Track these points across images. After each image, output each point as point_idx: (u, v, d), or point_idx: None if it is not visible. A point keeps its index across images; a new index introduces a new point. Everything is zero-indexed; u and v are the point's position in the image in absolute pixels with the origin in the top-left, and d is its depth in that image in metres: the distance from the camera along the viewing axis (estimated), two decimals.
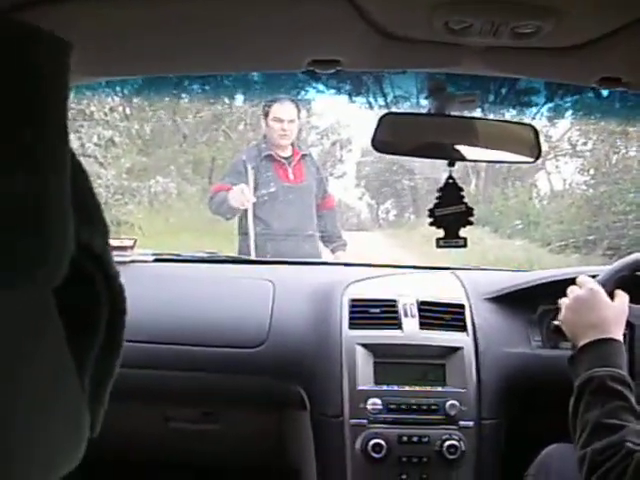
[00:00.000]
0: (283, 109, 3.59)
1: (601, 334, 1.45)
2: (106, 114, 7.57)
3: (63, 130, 0.35)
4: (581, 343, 1.47)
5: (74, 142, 6.88)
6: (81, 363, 0.43)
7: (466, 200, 1.51)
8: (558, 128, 9.60)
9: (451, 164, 1.50)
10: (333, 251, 3.80)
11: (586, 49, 1.17)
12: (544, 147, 10.05)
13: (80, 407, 0.44)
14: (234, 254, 3.21)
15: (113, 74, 1.44)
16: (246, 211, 3.63)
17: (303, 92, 6.94)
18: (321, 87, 6.65)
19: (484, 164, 7.96)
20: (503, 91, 6.36)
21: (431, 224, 1.53)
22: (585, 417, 1.35)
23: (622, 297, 1.58)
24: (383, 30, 1.14)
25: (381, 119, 1.44)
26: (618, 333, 1.48)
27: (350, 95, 7.72)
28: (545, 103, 7.23)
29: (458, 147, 1.50)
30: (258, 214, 3.63)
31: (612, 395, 1.35)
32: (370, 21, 1.10)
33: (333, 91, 7.21)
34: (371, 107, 7.91)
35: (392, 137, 1.48)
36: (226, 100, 7.99)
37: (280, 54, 1.28)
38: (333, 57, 1.24)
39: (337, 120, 11.78)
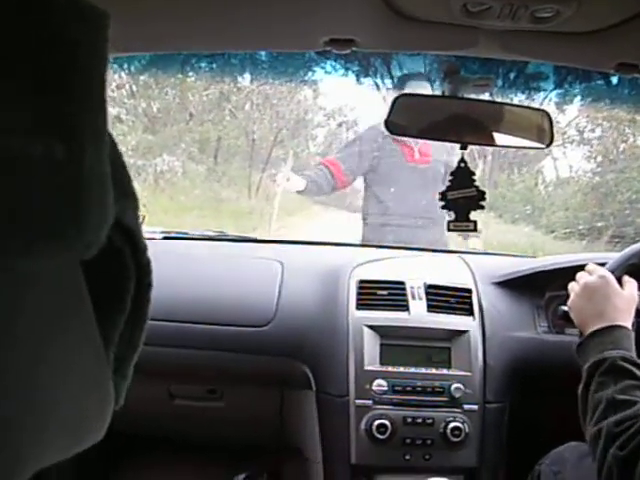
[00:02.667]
0: (419, 86, 3.35)
1: (611, 322, 1.45)
2: (113, 91, 7.54)
3: (102, 102, 0.35)
4: (590, 330, 1.46)
5: None
6: (107, 336, 0.43)
7: (477, 184, 1.51)
8: (566, 115, 9.56)
9: (463, 147, 1.49)
10: (465, 237, 3.65)
11: (604, 34, 1.17)
12: None
13: (105, 379, 0.44)
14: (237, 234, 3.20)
15: (128, 50, 1.44)
16: (367, 196, 3.61)
17: (310, 72, 6.92)
18: (328, 68, 6.62)
19: (491, 148, 7.92)
20: (511, 76, 6.33)
21: (442, 207, 1.53)
22: (597, 396, 1.34)
23: (632, 285, 1.57)
24: (400, 10, 1.14)
25: (395, 100, 1.44)
26: (628, 321, 1.47)
27: (357, 76, 7.68)
28: (554, 89, 7.20)
29: (471, 130, 1.50)
30: (377, 193, 3.55)
31: (624, 374, 1.34)
32: (388, 1, 1.10)
33: (341, 72, 7.17)
34: (378, 89, 7.88)
35: (405, 119, 1.48)
36: (233, 79, 7.95)
37: (297, 33, 1.27)
38: (349, 36, 1.23)
39: (344, 101, 11.72)
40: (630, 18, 1.10)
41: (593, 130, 9.85)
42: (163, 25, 1.22)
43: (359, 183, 3.83)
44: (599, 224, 8.27)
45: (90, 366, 0.42)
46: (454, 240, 3.57)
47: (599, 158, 9.78)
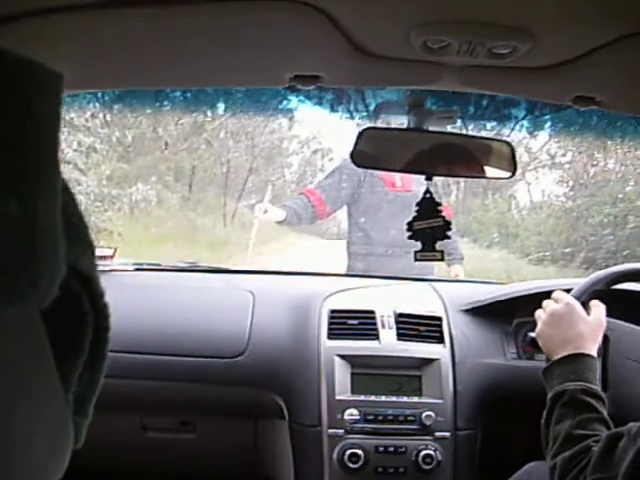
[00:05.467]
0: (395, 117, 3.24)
1: (576, 349, 1.47)
2: (87, 120, 7.54)
3: (55, 157, 0.37)
4: (556, 357, 1.49)
5: None
6: (66, 380, 0.44)
7: (443, 214, 1.53)
8: (538, 140, 9.70)
9: (428, 179, 1.52)
10: (449, 264, 3.58)
11: (561, 69, 1.20)
12: (524, 158, 10.18)
13: (65, 422, 0.45)
14: (212, 262, 3.19)
15: (95, 87, 1.45)
16: (351, 226, 3.60)
17: (285, 101, 6.97)
18: (303, 97, 6.67)
19: None
20: (484, 103, 6.43)
21: (409, 237, 1.55)
22: (557, 429, 1.37)
23: (598, 308, 1.59)
24: (363, 48, 1.16)
25: (361, 133, 1.46)
26: (593, 348, 1.49)
27: (332, 105, 7.75)
28: (525, 116, 7.31)
29: (436, 162, 1.52)
30: (359, 222, 3.55)
31: (583, 407, 1.37)
32: (350, 39, 1.12)
33: (315, 100, 7.24)
34: (352, 117, 7.95)
35: (371, 151, 1.50)
36: (208, 109, 7.99)
37: (263, 70, 1.29)
38: (314, 73, 1.26)
39: (318, 129, 11.80)
40: (585, 53, 1.14)
41: (564, 155, 10.00)
42: (128, 63, 1.24)
43: (339, 212, 3.83)
44: (572, 247, 8.36)
45: (50, 410, 0.43)
46: (438, 267, 3.57)
47: (570, 182, 9.91)
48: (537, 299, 1.66)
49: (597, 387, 1.42)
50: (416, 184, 3.38)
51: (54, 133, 0.37)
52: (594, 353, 1.49)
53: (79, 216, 0.43)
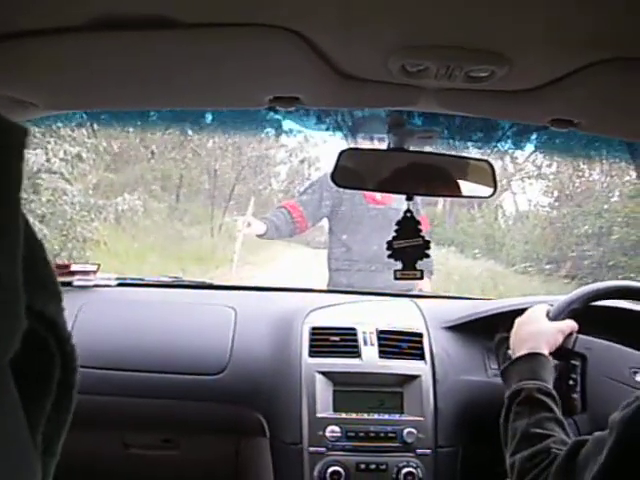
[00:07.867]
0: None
1: (531, 349, 1.53)
2: (73, 130, 7.50)
3: (17, 211, 0.37)
4: (514, 357, 1.55)
5: (40, 157, 6.82)
6: (33, 422, 0.44)
7: (423, 234, 1.54)
8: (524, 150, 9.75)
9: (409, 198, 1.53)
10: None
11: (538, 92, 1.21)
12: (510, 169, 10.24)
13: (31, 465, 0.45)
14: (199, 273, 3.19)
15: (76, 107, 1.46)
16: (331, 240, 3.62)
17: (272, 112, 6.97)
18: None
19: None
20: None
21: (389, 256, 1.56)
22: (514, 426, 1.41)
23: (567, 321, 1.65)
24: (341, 71, 1.17)
25: (341, 154, 1.47)
26: (545, 348, 1.55)
27: (319, 115, 7.76)
28: (511, 126, 7.33)
29: (417, 182, 1.53)
30: (340, 236, 3.56)
31: (538, 406, 1.41)
32: (329, 62, 1.13)
33: (302, 112, 7.24)
34: (339, 128, 7.96)
35: (352, 171, 1.51)
36: (195, 119, 7.98)
37: (242, 92, 1.30)
38: (293, 94, 1.27)
39: (305, 138, 11.81)
40: (562, 77, 1.15)
41: (550, 165, 10.05)
42: (107, 85, 1.24)
43: (322, 222, 3.84)
44: (557, 257, 8.40)
45: (15, 455, 0.43)
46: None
47: (556, 193, 9.97)
48: (517, 315, 1.68)
49: (550, 386, 1.47)
50: (397, 198, 3.37)
51: (17, 189, 0.37)
52: (545, 352, 1.54)
53: (45, 262, 0.43)
